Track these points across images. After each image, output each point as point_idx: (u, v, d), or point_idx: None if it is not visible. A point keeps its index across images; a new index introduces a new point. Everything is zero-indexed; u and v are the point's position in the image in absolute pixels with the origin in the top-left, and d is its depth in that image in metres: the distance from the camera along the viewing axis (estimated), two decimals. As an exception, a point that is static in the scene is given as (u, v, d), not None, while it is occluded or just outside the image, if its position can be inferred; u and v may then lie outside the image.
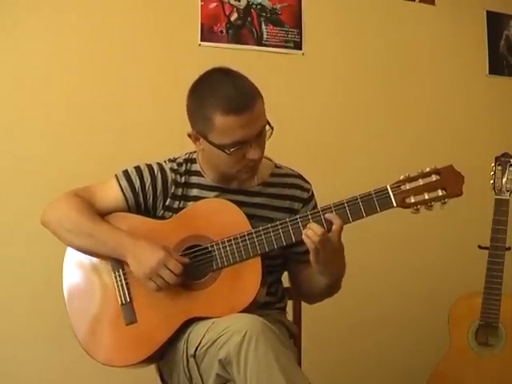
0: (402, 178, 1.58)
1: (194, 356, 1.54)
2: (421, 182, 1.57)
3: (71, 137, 2.58)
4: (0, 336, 2.47)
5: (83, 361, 1.65)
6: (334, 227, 1.55)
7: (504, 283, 2.18)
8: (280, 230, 1.60)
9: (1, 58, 2.53)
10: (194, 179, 1.74)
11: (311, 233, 1.54)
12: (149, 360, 1.65)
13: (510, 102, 3.20)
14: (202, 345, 1.52)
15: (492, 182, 2.20)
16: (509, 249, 2.23)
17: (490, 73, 3.17)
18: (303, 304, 1.95)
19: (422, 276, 2.99)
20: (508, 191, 2.19)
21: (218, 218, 1.66)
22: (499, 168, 2.20)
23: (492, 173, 2.20)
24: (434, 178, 1.57)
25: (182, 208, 1.71)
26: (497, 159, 2.21)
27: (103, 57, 2.64)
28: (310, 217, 1.59)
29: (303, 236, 1.55)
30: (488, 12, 3.16)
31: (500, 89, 3.19)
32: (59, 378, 2.53)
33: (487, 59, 3.16)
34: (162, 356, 1.66)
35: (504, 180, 2.19)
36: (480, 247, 2.27)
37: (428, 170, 1.58)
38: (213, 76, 1.63)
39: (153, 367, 1.77)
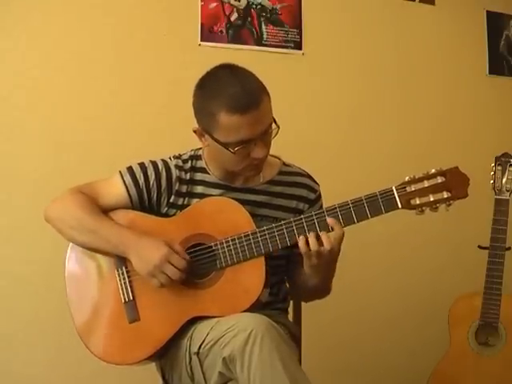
0: (407, 179, 1.56)
1: (198, 353, 1.53)
2: (426, 183, 1.55)
3: (71, 137, 2.58)
4: (0, 336, 2.47)
5: (84, 361, 1.65)
6: (334, 234, 1.55)
7: (504, 283, 2.18)
8: (284, 230, 1.59)
9: (1, 58, 2.53)
10: (199, 176, 1.73)
11: (312, 241, 1.54)
12: (150, 358, 1.65)
13: (510, 101, 3.20)
14: (205, 342, 1.51)
15: (492, 181, 2.20)
16: (509, 249, 2.23)
17: (490, 73, 3.17)
18: (303, 305, 1.94)
19: (421, 276, 2.99)
20: (508, 191, 2.19)
21: (222, 216, 1.65)
22: (499, 168, 2.20)
23: (492, 173, 2.20)
24: (439, 179, 1.56)
25: (187, 205, 1.70)
26: (497, 159, 2.21)
27: (103, 57, 2.64)
28: (314, 217, 1.58)
29: (299, 242, 1.55)
30: (488, 12, 3.16)
31: (500, 89, 3.19)
32: (59, 378, 2.53)
33: (487, 59, 3.16)
34: (164, 354, 1.65)
35: (504, 180, 2.19)
36: (480, 247, 2.27)
37: (433, 171, 1.57)
38: (220, 73, 1.61)
39: (154, 368, 1.77)
